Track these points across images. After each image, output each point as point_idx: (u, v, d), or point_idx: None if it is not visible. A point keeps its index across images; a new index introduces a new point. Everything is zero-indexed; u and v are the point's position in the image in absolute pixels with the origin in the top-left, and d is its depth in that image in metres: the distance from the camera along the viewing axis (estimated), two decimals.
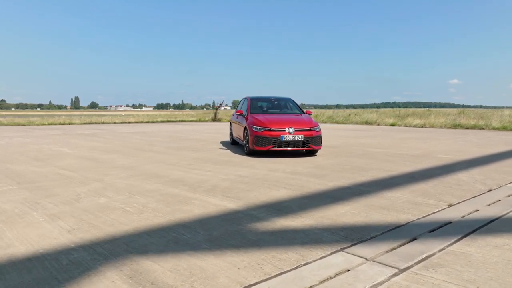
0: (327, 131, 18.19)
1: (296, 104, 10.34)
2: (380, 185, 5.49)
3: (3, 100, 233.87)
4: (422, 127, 20.92)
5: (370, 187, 5.37)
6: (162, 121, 33.00)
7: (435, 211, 4.18)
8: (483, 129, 18.38)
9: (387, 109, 41.26)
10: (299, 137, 8.38)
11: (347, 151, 9.69)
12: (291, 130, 8.36)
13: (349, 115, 28.17)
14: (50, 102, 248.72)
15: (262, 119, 8.73)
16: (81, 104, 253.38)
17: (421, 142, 12.06)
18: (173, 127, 22.76)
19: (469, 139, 13.11)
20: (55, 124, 26.96)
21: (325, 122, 27.46)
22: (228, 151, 9.76)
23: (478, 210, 4.23)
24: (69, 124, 27.25)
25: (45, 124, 26.72)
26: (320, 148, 8.79)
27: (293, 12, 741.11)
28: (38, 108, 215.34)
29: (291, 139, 8.34)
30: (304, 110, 10.01)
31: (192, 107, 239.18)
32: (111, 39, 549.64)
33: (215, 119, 33.21)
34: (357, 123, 25.05)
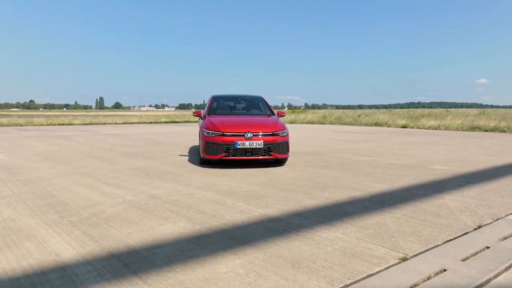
0: (325, 133, 16.51)
1: (267, 103, 8.77)
2: (324, 216, 3.94)
3: (31, 101, 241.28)
4: (436, 129, 18.88)
5: (307, 219, 3.82)
6: (166, 122, 31.96)
7: (373, 272, 2.62)
8: (505, 131, 16.24)
9: (402, 110, 38.96)
10: (258, 143, 6.85)
11: (326, 159, 8.10)
12: (249, 135, 6.86)
13: (359, 115, 26.22)
14: (76, 102, 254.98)
15: (215, 122, 7.25)
16: (105, 104, 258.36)
17: (423, 148, 10.28)
18: (168, 128, 21.56)
19: (483, 144, 11.19)
20: (54, 125, 26.29)
21: (332, 124, 25.68)
22: (185, 159, 8.34)
23: (444, 271, 2.65)
24: (69, 125, 26.53)
25: (43, 125, 26.10)
26: (286, 157, 7.24)
27: (315, 10, 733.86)
28: (64, 109, 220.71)
29: (248, 146, 6.83)
30: (276, 111, 8.46)
31: None
32: (136, 42, 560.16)
33: None
34: (366, 125, 23.14)
